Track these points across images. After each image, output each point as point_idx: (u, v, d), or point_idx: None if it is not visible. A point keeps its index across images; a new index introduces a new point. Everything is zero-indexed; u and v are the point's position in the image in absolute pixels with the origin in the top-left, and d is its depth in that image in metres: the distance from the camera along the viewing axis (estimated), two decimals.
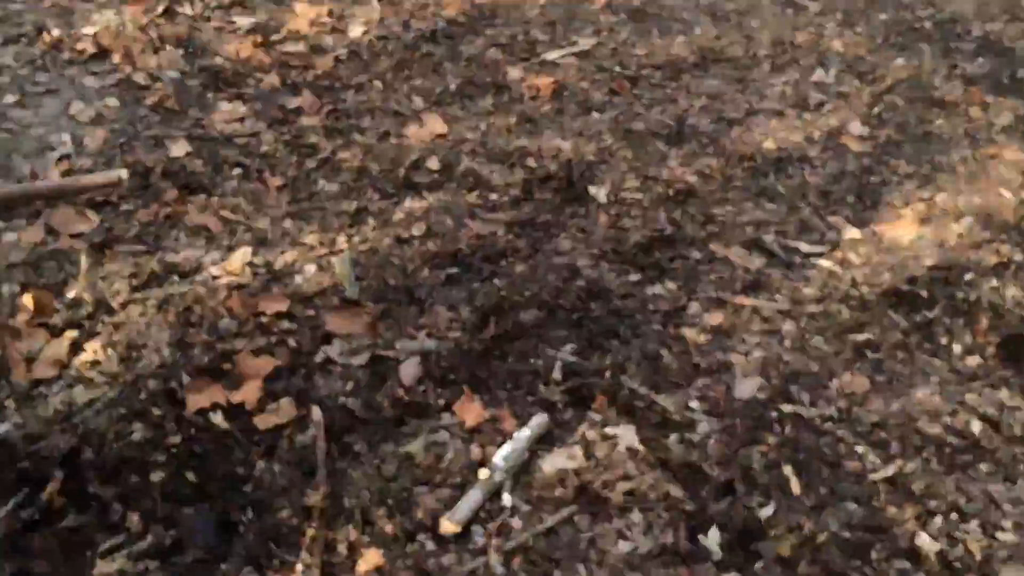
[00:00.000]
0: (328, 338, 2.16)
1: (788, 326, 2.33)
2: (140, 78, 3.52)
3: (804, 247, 2.67)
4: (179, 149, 3.10)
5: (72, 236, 2.64)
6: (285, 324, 2.27)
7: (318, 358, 2.09)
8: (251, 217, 2.81)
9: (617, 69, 4.01)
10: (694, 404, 2.05)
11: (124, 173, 2.80)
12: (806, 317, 2.37)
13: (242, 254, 2.53)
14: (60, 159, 3.00)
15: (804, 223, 2.81)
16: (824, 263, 2.60)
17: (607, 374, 2.12)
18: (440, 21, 4.37)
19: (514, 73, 3.89)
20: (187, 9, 4.14)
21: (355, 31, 4.19)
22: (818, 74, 4.10)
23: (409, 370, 2.10)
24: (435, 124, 3.43)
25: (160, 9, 4.00)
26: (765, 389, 2.08)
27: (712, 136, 3.42)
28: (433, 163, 3.16)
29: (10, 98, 3.25)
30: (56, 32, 3.75)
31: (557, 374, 2.13)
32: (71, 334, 2.17)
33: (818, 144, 3.40)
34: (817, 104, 3.77)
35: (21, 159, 2.97)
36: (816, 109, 3.72)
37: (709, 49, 4.30)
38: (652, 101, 3.73)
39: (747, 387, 2.06)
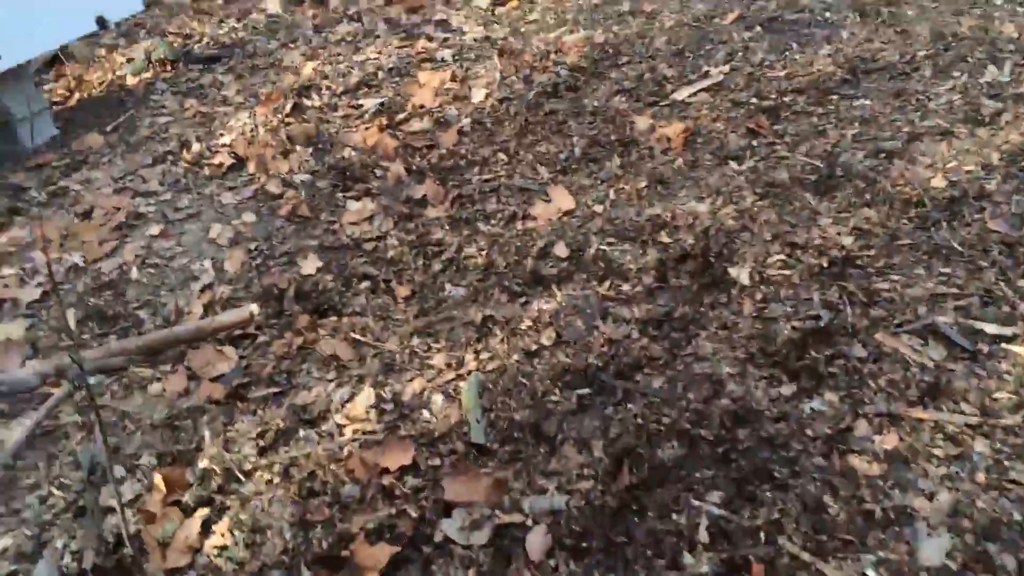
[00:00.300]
0: (448, 509, 1.93)
1: (980, 447, 1.87)
2: (274, 186, 3.44)
3: (990, 328, 2.17)
4: (310, 266, 2.97)
5: (212, 380, 2.56)
6: (409, 481, 2.06)
7: (437, 537, 1.87)
8: (380, 337, 2.63)
9: (754, 101, 3.54)
10: (870, 572, 1.66)
11: (255, 308, 2.70)
12: (1001, 433, 1.90)
13: (366, 396, 2.35)
14: (203, 290, 2.95)
15: (988, 292, 2.30)
16: (1018, 350, 2.10)
17: (762, 534, 1.77)
18: (562, 70, 4.05)
19: (642, 123, 3.52)
20: (314, 100, 4.05)
21: (478, 95, 3.96)
22: (990, 72, 3.46)
23: (536, 541, 1.84)
24: (562, 198, 3.14)
25: (288, 106, 3.93)
26: (957, 552, 1.66)
27: (868, 177, 2.92)
28: (561, 249, 2.87)
29: (155, 228, 3.24)
30: (197, 146, 3.75)
31: (703, 535, 1.80)
32: (202, 512, 2.06)
33: (998, 172, 2.82)
34: (992, 115, 3.16)
35: (167, 293, 2.94)
36: (991, 122, 3.12)
37: (858, 59, 3.74)
38: (796, 137, 3.26)
39: (933, 549, 1.65)
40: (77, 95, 4.63)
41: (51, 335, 2.78)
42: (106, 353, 2.64)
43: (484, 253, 2.91)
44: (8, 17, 3.85)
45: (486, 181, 3.34)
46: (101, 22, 4.25)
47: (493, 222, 3.09)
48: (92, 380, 2.58)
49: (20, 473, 2.28)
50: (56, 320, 2.83)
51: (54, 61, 4.97)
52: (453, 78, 4.15)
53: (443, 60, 4.42)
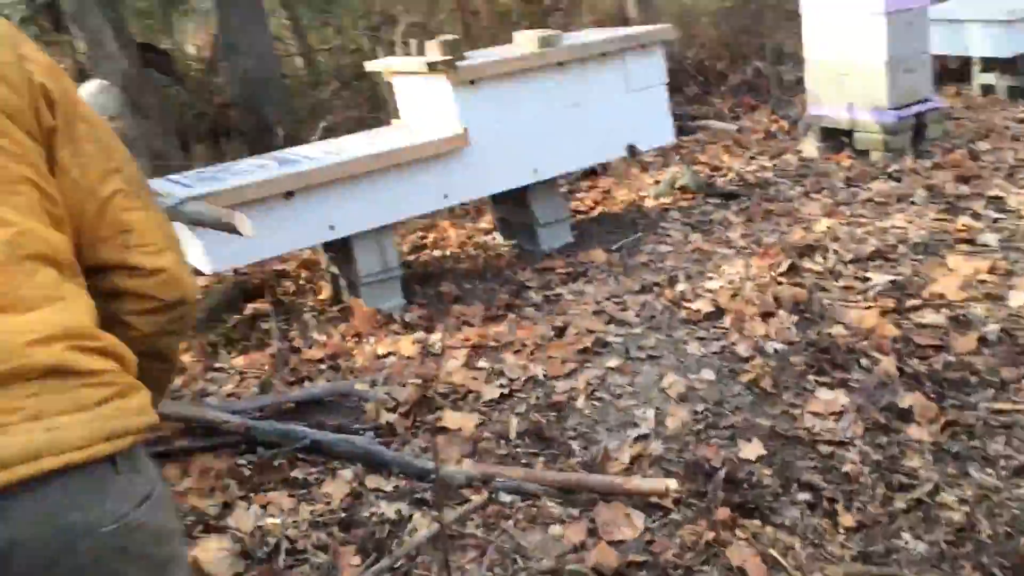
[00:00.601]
0: None
1: None
2: (743, 348, 3.23)
3: None
4: (751, 450, 2.69)
5: (608, 543, 2.43)
6: None
7: None
8: (801, 567, 2.25)
9: None
10: None
11: (673, 485, 2.50)
12: None
13: None
14: (636, 440, 2.85)
15: None
16: None
17: None
18: None
19: None
20: (816, 263, 3.76)
21: (1018, 299, 3.29)
22: None
23: None
24: None
25: (785, 264, 3.70)
26: None
27: None
28: None
29: (615, 361, 3.25)
30: (681, 286, 3.72)
31: None
32: None
33: None
34: None
35: (603, 431, 2.91)
36: None
37: None
38: None
39: None
40: (600, 209, 4.99)
41: (492, 439, 2.91)
42: (526, 475, 2.67)
43: (966, 508, 2.33)
44: (552, 138, 4.30)
45: (997, 412, 2.72)
46: (632, 150, 4.52)
47: (991, 470, 2.48)
48: (507, 498, 2.63)
49: (415, 568, 2.37)
50: (501, 426, 2.97)
51: (591, 172, 5.45)
52: (992, 270, 3.53)
53: (984, 245, 3.80)
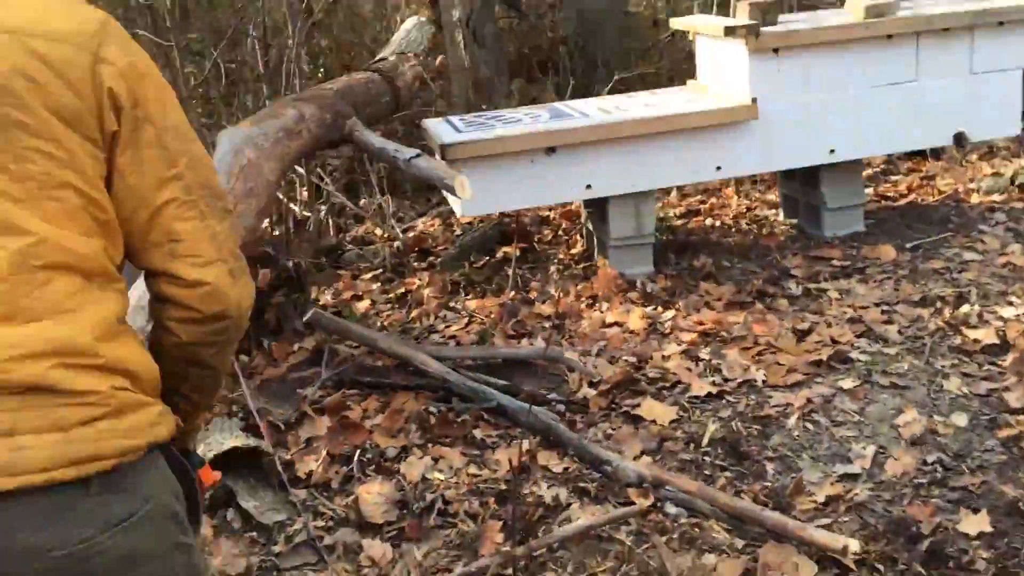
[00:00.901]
0: None
1: None
2: (1016, 397, 2.72)
3: None
4: (974, 524, 2.28)
5: None
6: None
7: None
8: None
9: None
10: None
11: (854, 545, 2.20)
12: None
13: None
14: (841, 477, 2.54)
15: None
16: None
17: None
18: None
19: None
20: None
21: None
22: None
23: None
24: None
25: None
26: None
27: None
28: None
29: (850, 382, 2.90)
30: (968, 308, 3.19)
31: None
32: None
33: None
34: None
35: (807, 459, 2.63)
36: None
37: None
38: None
39: None
40: (911, 197, 4.40)
41: (681, 440, 2.77)
42: (699, 491, 2.51)
43: None
44: (859, 118, 3.85)
45: None
46: (959, 139, 3.90)
47: None
48: (672, 510, 2.50)
49: (551, 563, 2.34)
50: (697, 427, 2.80)
51: (918, 153, 4.80)
52: None
53: None
